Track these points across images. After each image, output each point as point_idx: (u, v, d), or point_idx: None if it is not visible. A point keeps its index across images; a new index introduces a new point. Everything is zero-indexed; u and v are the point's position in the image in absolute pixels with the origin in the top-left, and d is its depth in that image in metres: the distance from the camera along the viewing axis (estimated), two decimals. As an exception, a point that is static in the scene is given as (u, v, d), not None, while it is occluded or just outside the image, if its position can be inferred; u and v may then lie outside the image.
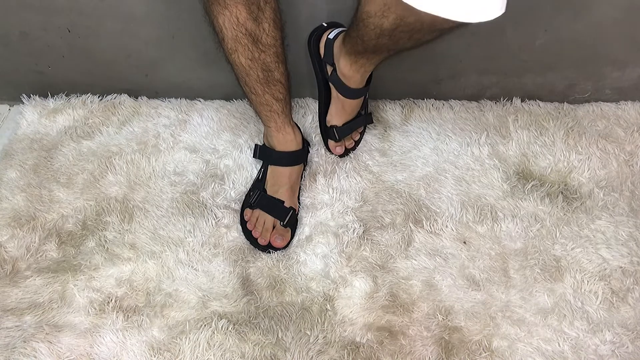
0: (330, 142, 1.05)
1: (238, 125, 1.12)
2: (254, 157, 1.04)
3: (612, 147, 1.06)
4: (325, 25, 0.99)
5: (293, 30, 0.96)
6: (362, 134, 1.10)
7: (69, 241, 0.97)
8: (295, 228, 0.98)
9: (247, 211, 0.98)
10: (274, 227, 0.95)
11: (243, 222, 0.98)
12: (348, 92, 0.97)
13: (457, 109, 1.14)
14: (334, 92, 0.99)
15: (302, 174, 1.04)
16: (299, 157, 1.01)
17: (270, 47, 0.86)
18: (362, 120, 1.06)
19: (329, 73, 0.98)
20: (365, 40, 0.81)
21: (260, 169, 1.02)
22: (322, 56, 0.99)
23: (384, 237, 0.95)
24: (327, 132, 1.05)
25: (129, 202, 1.01)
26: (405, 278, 0.91)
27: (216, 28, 0.84)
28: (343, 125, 1.02)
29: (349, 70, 0.93)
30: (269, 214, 0.96)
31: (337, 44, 0.94)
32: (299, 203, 1.01)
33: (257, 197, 0.98)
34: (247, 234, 0.96)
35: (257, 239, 0.95)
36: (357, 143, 1.09)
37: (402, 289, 0.90)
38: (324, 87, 1.01)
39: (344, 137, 1.04)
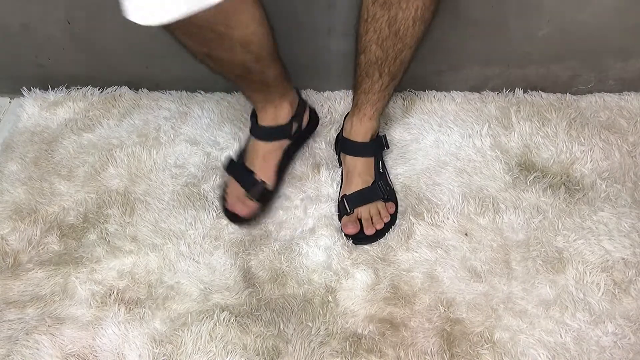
0: (343, 220, 0.94)
1: (239, 117, 1.12)
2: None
3: (615, 138, 1.05)
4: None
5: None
6: (393, 217, 0.96)
7: (71, 234, 0.97)
8: (266, 204, 0.96)
9: (225, 176, 0.98)
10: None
11: (222, 189, 0.98)
12: (352, 148, 0.97)
13: (459, 101, 1.13)
14: (343, 160, 0.99)
15: (288, 153, 1.00)
16: (277, 133, 0.95)
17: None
18: (377, 190, 0.95)
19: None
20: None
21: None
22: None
23: (386, 229, 0.95)
24: (339, 207, 0.97)
25: (130, 195, 1.01)
26: (406, 270, 0.91)
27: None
28: (352, 193, 0.95)
29: (351, 121, 0.96)
30: (238, 182, 0.95)
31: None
32: (280, 181, 0.99)
33: (231, 163, 0.97)
34: (222, 201, 0.97)
35: (224, 206, 0.96)
36: (386, 226, 0.94)
37: (404, 281, 0.90)
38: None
39: (354, 207, 0.94)
